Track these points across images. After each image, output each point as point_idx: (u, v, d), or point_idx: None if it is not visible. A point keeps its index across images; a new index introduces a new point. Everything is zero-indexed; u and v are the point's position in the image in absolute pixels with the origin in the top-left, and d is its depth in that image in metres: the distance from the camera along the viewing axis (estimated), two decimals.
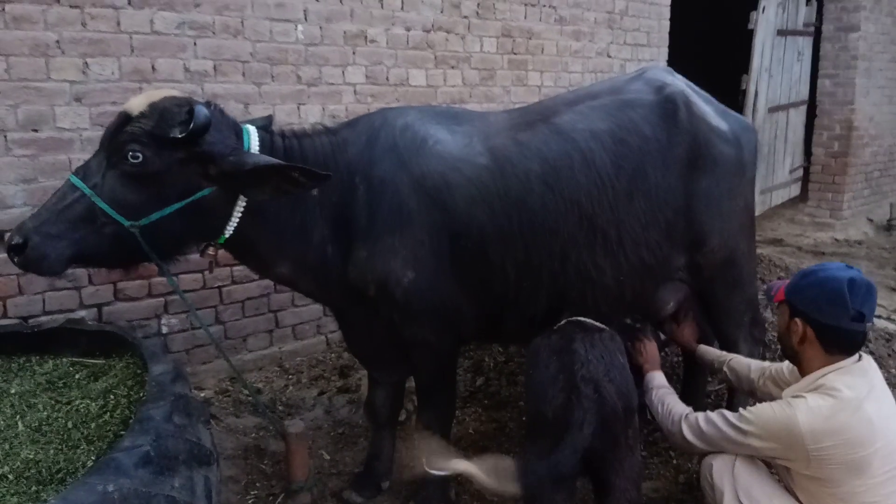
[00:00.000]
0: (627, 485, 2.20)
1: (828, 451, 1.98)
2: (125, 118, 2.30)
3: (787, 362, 2.52)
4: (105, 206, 2.25)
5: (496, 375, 4.15)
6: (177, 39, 3.66)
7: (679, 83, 2.94)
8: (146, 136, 2.26)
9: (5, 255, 3.22)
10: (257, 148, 2.49)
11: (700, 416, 2.32)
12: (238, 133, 2.49)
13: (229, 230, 2.47)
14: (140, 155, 2.25)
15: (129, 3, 3.50)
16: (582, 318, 2.59)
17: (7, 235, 2.26)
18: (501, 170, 2.65)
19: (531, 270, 2.69)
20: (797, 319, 2.15)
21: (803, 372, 2.20)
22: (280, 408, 3.82)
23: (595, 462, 2.21)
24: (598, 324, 2.56)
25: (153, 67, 3.63)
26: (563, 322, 2.58)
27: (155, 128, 2.26)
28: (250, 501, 3.01)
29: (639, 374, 2.73)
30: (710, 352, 2.94)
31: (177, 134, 2.26)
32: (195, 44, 3.72)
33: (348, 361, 4.24)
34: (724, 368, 2.80)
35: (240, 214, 2.45)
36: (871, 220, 8.55)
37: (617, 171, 2.69)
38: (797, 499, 2.14)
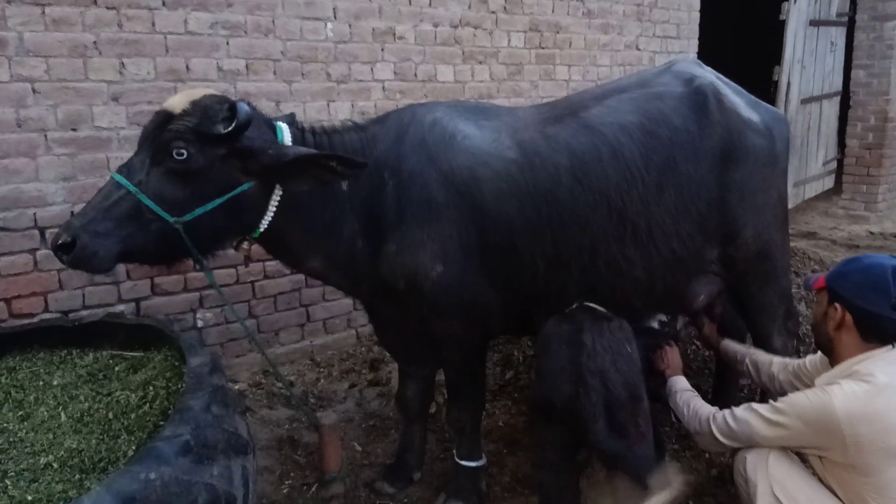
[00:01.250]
0: (632, 472, 2.22)
1: (865, 437, 1.96)
2: (167, 116, 2.34)
3: (808, 358, 2.51)
4: (150, 202, 2.29)
5: (525, 369, 4.16)
6: (210, 39, 3.73)
7: (708, 75, 2.92)
8: (190, 132, 2.30)
9: (46, 251, 3.38)
10: (290, 143, 2.54)
11: (727, 413, 2.31)
12: (272, 129, 2.54)
13: (264, 224, 2.52)
14: (185, 151, 2.30)
15: (164, 4, 3.58)
16: (592, 304, 2.62)
17: (54, 234, 2.30)
18: (530, 163, 2.65)
19: (560, 264, 2.70)
20: (836, 305, 2.14)
21: (835, 360, 2.19)
22: (312, 400, 3.88)
23: (599, 449, 2.27)
24: (607, 312, 2.59)
25: (187, 67, 3.70)
26: (574, 307, 2.61)
27: (199, 125, 2.31)
28: (285, 491, 3.07)
29: (661, 378, 2.75)
30: (733, 346, 2.93)
31: (221, 130, 2.31)
32: (228, 43, 3.78)
33: (378, 355, 4.29)
34: (746, 362, 2.79)
35: (274, 209, 2.50)
36: None
37: (646, 164, 2.68)
38: (832, 492, 2.13)
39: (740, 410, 2.27)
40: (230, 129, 2.30)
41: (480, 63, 4.84)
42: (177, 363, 2.67)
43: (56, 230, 2.30)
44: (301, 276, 4.14)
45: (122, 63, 3.51)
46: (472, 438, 2.94)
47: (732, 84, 3.00)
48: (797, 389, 2.28)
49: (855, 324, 2.10)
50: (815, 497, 2.11)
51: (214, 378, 2.46)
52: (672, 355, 2.82)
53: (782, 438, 2.16)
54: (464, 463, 2.94)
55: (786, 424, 2.12)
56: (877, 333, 2.09)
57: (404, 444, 3.17)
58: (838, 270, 2.19)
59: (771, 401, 2.22)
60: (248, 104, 2.44)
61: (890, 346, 2.11)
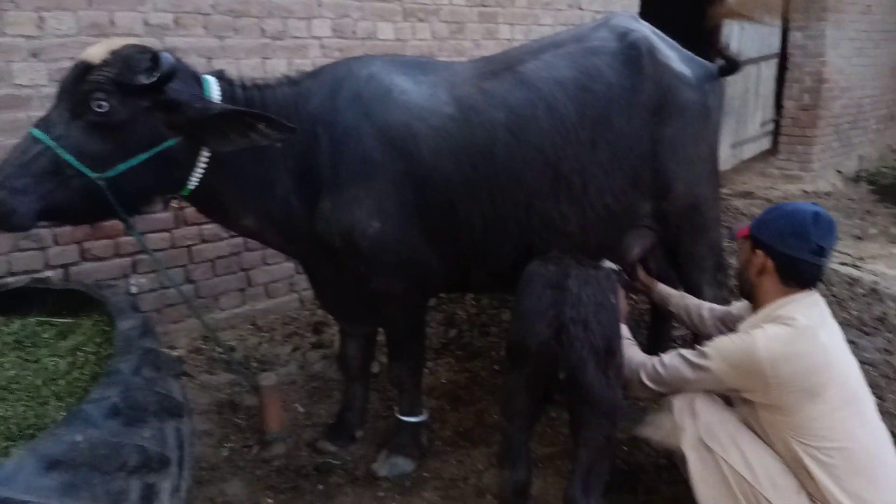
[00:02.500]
0: (604, 421, 2.25)
1: (786, 378, 2.04)
2: (86, 67, 2.24)
3: (735, 304, 2.60)
4: (70, 157, 2.20)
5: (468, 327, 4.20)
6: None
7: (643, 29, 2.93)
8: (111, 84, 2.21)
9: None
10: (218, 97, 2.46)
11: (656, 360, 2.37)
12: (199, 82, 2.46)
13: (193, 182, 2.45)
14: (105, 104, 2.20)
15: None
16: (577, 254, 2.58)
17: None
18: (467, 119, 2.64)
19: (497, 220, 2.70)
20: (759, 251, 2.20)
21: (758, 305, 2.26)
22: (254, 364, 3.84)
23: (573, 398, 2.26)
24: (592, 260, 2.56)
25: (112, 21, 3.53)
26: (556, 252, 2.56)
27: (120, 75, 2.22)
28: (225, 454, 3.04)
29: None
30: (666, 291, 3.00)
31: (143, 81, 2.22)
32: None
33: (322, 318, 4.26)
34: (679, 306, 2.87)
35: (203, 166, 2.44)
36: (839, 172, 8.66)
37: (581, 119, 2.69)
38: (756, 433, 2.21)
39: (669, 357, 2.34)
40: (153, 79, 2.21)
41: (421, 21, 4.75)
42: (107, 328, 2.60)
43: None
44: (241, 240, 4.06)
45: (42, 17, 3.32)
46: (412, 394, 2.96)
47: (667, 39, 3.01)
48: (724, 334, 2.35)
49: (776, 269, 2.17)
50: (739, 437, 2.19)
51: (145, 341, 2.42)
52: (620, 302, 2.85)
53: (708, 382, 2.23)
54: (405, 419, 2.96)
55: (711, 368, 2.19)
56: (797, 278, 2.17)
57: (346, 403, 3.18)
58: (760, 218, 2.25)
59: (697, 346, 2.29)
60: (173, 55, 2.34)
61: (810, 290, 2.19)
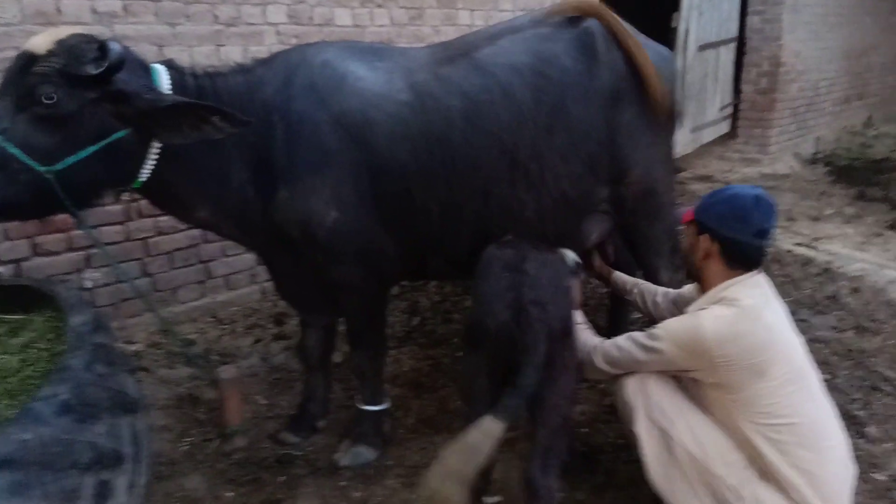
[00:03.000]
0: (561, 401, 2.27)
1: (731, 357, 2.08)
2: (30, 58, 2.17)
3: (686, 287, 2.65)
4: (17, 151, 2.14)
5: (431, 315, 4.21)
6: None
7: None
8: (58, 74, 2.15)
9: None
10: (168, 87, 2.41)
11: (609, 342, 2.41)
12: (147, 72, 2.40)
13: (144, 174, 2.40)
14: (53, 95, 2.15)
15: None
16: (533, 239, 2.60)
17: None
18: (423, 106, 2.62)
19: (454, 208, 2.70)
20: (704, 236, 2.24)
21: (705, 288, 2.31)
22: (215, 357, 3.79)
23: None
24: (548, 245, 2.58)
25: (58, 9, 3.43)
26: (511, 237, 2.59)
27: (67, 66, 2.16)
28: (184, 448, 3.01)
29: None
30: (622, 277, 3.04)
31: (91, 71, 2.17)
32: None
33: (284, 309, 4.22)
34: (634, 292, 2.91)
35: (155, 158, 2.39)
36: (797, 155, 8.84)
37: (537, 105, 2.69)
38: (706, 411, 2.26)
39: (622, 339, 2.37)
40: (101, 69, 2.16)
41: (380, 7, 4.71)
42: (59, 324, 2.55)
43: None
44: (199, 231, 3.99)
45: None
46: (374, 383, 2.96)
47: (623, 24, 3.02)
48: (676, 315, 2.40)
49: (721, 252, 2.21)
50: (688, 416, 2.24)
51: (97, 336, 2.38)
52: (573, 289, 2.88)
53: (659, 362, 2.28)
54: (367, 408, 2.96)
55: (661, 349, 2.23)
56: (741, 260, 2.21)
57: (307, 394, 3.16)
58: (704, 202, 2.29)
59: (648, 328, 2.33)
60: (121, 44, 2.29)
61: (754, 272, 2.24)
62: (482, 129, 2.66)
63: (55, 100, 2.16)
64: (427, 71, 2.71)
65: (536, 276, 2.29)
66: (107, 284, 3.76)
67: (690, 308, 2.30)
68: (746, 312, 2.11)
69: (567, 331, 2.31)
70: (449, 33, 5.09)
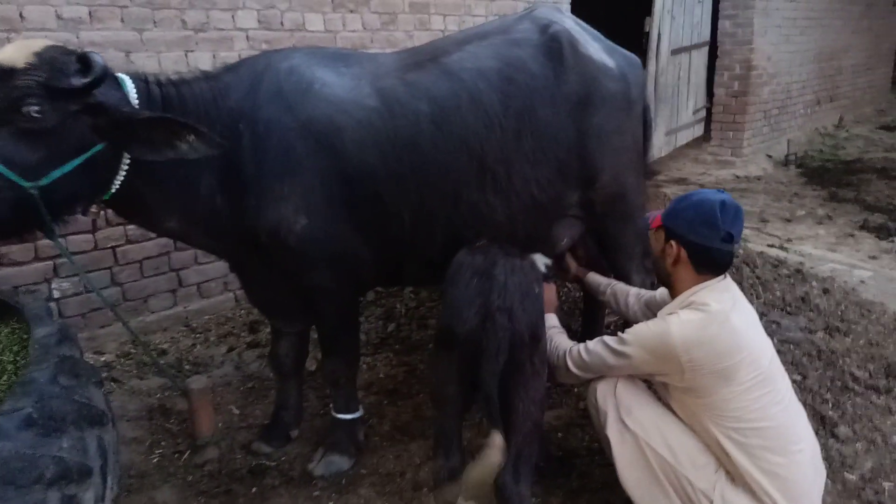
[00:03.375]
0: (531, 407, 2.27)
1: (699, 361, 2.09)
2: (9, 71, 2.10)
3: (658, 291, 2.66)
4: (2, 167, 2.08)
5: (407, 321, 4.19)
6: None
7: (567, 20, 2.95)
8: (41, 88, 2.10)
9: None
10: (135, 97, 2.37)
11: (581, 347, 2.41)
12: (117, 83, 2.36)
13: (115, 186, 2.36)
14: (37, 109, 2.10)
15: None
16: (503, 244, 2.59)
17: None
18: (390, 111, 2.61)
19: (425, 212, 2.69)
20: (672, 242, 2.25)
21: (674, 293, 2.32)
22: (187, 367, 3.75)
23: (500, 385, 2.26)
24: (518, 250, 2.57)
25: (21, 15, 3.38)
26: (483, 241, 2.58)
27: (49, 79, 2.11)
28: (155, 460, 2.96)
29: None
30: (596, 279, 3.06)
31: (75, 84, 2.14)
32: None
33: (258, 317, 4.18)
34: (608, 293, 2.93)
35: (125, 170, 2.35)
36: (769, 157, 8.96)
37: (505, 110, 2.69)
38: (675, 414, 2.27)
39: (592, 344, 2.38)
40: (86, 82, 2.14)
41: (352, 12, 4.70)
42: (25, 336, 2.52)
43: None
44: (169, 240, 3.95)
45: None
46: (347, 391, 2.94)
47: (590, 30, 3.04)
48: (648, 318, 2.41)
49: (689, 258, 2.22)
50: (658, 420, 2.25)
51: (62, 348, 2.34)
52: (548, 292, 2.84)
53: (628, 367, 2.28)
54: (340, 416, 2.94)
55: (630, 354, 2.24)
56: (709, 265, 2.23)
57: (280, 402, 3.13)
58: (671, 208, 2.30)
59: (619, 332, 2.34)
60: (98, 55, 2.25)
61: (722, 276, 2.26)
62: (450, 133, 2.65)
63: (39, 113, 2.10)
64: (394, 76, 2.70)
65: (505, 283, 2.29)
66: (76, 294, 3.71)
67: (660, 312, 2.31)
68: (714, 317, 2.12)
69: (536, 337, 2.31)
70: (422, 38, 5.10)
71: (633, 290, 2.84)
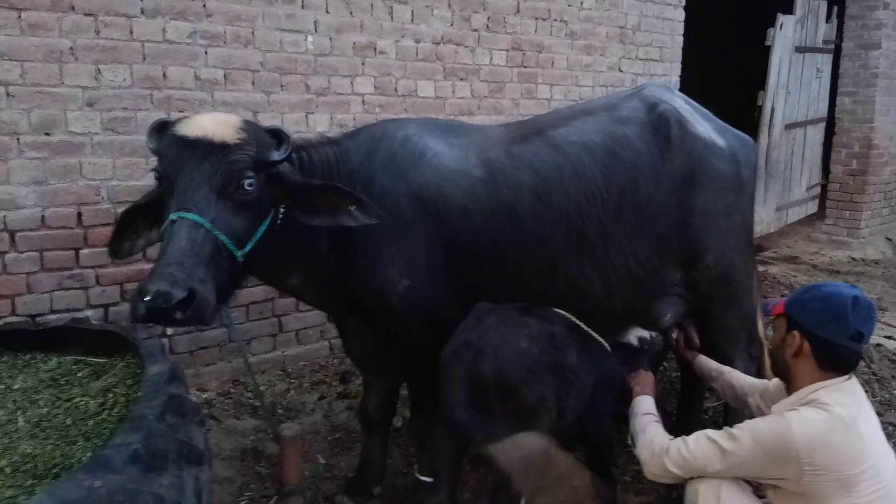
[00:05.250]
0: (498, 452, 2.27)
1: (821, 466, 1.95)
2: (222, 146, 2.23)
3: (772, 382, 2.50)
4: (225, 238, 2.20)
5: None
6: (188, 48, 3.75)
7: (675, 100, 2.96)
8: (254, 162, 2.26)
9: (14, 254, 3.39)
10: None
11: (680, 443, 2.24)
12: None
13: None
14: (252, 182, 2.25)
15: (142, 12, 3.59)
16: (548, 307, 2.63)
17: (150, 289, 2.04)
18: (494, 181, 2.68)
19: (521, 281, 2.72)
20: (795, 332, 2.12)
21: (792, 388, 2.18)
22: (281, 411, 3.87)
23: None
24: (555, 314, 2.59)
25: (164, 75, 3.72)
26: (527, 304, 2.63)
27: (258, 154, 2.27)
28: (243, 503, 3.05)
29: (630, 397, 2.69)
30: (707, 363, 2.91)
31: (275, 157, 2.30)
32: (206, 52, 3.81)
33: (349, 367, 4.28)
34: (720, 380, 2.77)
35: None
36: (889, 240, 8.42)
37: (607, 184, 2.71)
38: None
39: (693, 440, 2.21)
40: (283, 155, 2.31)
41: (462, 80, 4.88)
42: (139, 370, 2.65)
43: (147, 288, 2.04)
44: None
45: (99, 69, 3.52)
46: (432, 454, 2.94)
47: (701, 109, 3.03)
48: (764, 412, 2.27)
49: (812, 352, 2.09)
50: None
51: (172, 387, 2.45)
52: (644, 376, 2.76)
53: (737, 468, 2.12)
54: (424, 479, 2.93)
55: (741, 453, 2.08)
56: (834, 362, 2.09)
57: (365, 457, 3.17)
58: (797, 298, 2.18)
59: (726, 427, 2.19)
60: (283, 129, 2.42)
61: (846, 376, 2.11)
62: (551, 205, 2.69)
63: (252, 186, 2.26)
64: (500, 148, 2.78)
65: (488, 326, 2.39)
66: (187, 332, 3.93)
67: (776, 407, 2.17)
68: (840, 421, 1.97)
69: (507, 386, 2.31)
70: (528, 106, 5.21)
71: (750, 380, 2.66)
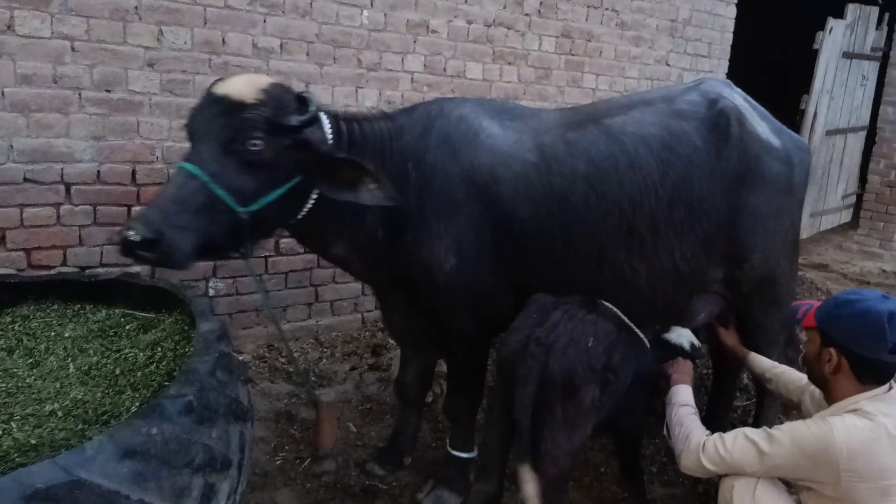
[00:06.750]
0: (558, 454, 2.28)
1: (860, 473, 1.95)
2: (238, 104, 2.27)
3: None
4: (223, 193, 2.24)
5: None
6: (248, 15, 3.79)
7: (735, 97, 2.93)
8: (265, 123, 2.27)
9: (69, 206, 3.47)
10: (329, 133, 2.53)
11: (717, 439, 2.23)
12: (318, 121, 2.52)
13: (301, 215, 2.52)
14: (260, 142, 2.27)
15: None
16: (604, 302, 2.62)
17: (126, 229, 2.14)
18: (548, 167, 2.69)
19: (568, 268, 2.74)
20: (831, 349, 2.11)
21: (832, 398, 2.17)
22: (313, 378, 3.95)
23: (534, 422, 2.32)
24: (610, 310, 2.58)
25: (223, 40, 3.77)
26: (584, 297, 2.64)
27: (274, 115, 2.29)
28: (278, 462, 3.14)
29: (667, 385, 2.69)
30: (762, 360, 2.83)
31: (293, 122, 2.33)
32: (265, 21, 3.85)
33: (381, 340, 4.35)
34: (773, 379, 2.72)
35: (313, 200, 2.50)
36: None
37: (662, 178, 2.71)
38: None
39: (731, 438, 2.21)
40: (303, 120, 2.33)
41: (510, 64, 4.88)
42: (186, 327, 2.72)
43: (126, 225, 2.16)
44: (313, 256, 4.21)
45: (161, 30, 3.58)
46: (466, 430, 2.99)
47: (759, 108, 3.01)
48: (815, 411, 2.26)
49: (851, 368, 2.08)
50: None
51: (221, 345, 2.51)
52: (683, 364, 2.74)
53: (774, 468, 2.13)
54: (456, 453, 2.99)
55: (780, 454, 2.09)
56: (873, 377, 2.08)
57: (398, 429, 3.23)
58: (830, 312, 2.13)
59: (765, 427, 2.20)
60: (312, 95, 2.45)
61: (888, 387, 2.10)
62: (603, 194, 2.70)
63: (262, 146, 2.29)
64: (555, 133, 2.78)
65: (555, 323, 2.37)
66: (227, 294, 4.01)
67: (818, 415, 2.16)
68: (883, 430, 1.97)
69: (571, 385, 2.30)
70: (573, 94, 5.21)
71: (803, 380, 2.57)
